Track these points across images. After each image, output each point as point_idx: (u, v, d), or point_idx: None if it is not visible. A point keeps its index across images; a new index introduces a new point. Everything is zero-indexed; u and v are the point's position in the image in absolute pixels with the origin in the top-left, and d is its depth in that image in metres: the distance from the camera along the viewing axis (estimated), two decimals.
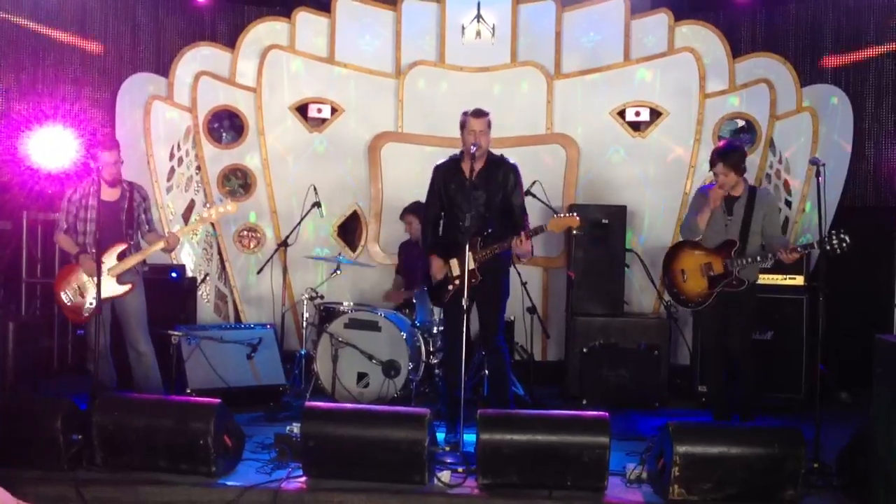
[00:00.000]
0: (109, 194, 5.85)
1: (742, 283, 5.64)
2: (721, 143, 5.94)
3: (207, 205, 7.94)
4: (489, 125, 5.54)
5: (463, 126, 5.54)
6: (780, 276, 6.86)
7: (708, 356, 6.13)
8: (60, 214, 5.93)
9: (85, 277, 5.75)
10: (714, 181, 5.79)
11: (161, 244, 5.87)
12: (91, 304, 5.67)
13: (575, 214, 5.48)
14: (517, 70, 8.11)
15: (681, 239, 6.08)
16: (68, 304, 5.83)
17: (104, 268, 5.65)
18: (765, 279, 6.81)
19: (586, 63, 8.12)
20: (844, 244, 5.16)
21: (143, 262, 5.96)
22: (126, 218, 5.88)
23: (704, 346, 6.15)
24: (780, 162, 7.79)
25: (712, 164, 5.71)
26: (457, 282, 5.48)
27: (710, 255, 5.73)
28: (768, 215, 5.74)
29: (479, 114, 5.51)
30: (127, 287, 5.80)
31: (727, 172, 5.63)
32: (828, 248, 5.19)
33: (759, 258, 5.60)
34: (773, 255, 5.55)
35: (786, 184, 7.76)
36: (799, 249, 5.49)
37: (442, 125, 8.02)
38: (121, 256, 5.77)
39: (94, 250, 5.56)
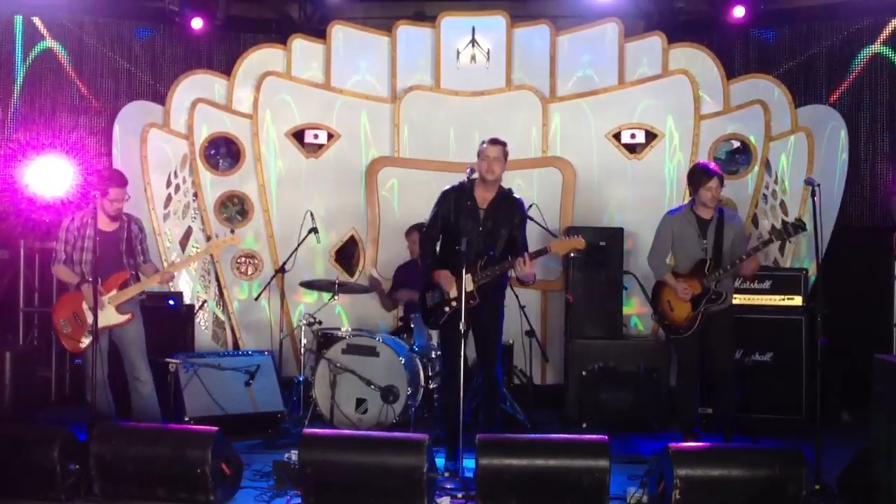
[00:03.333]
0: (107, 224, 5.85)
1: (721, 295, 5.79)
2: (701, 162, 6.30)
3: (210, 235, 7.93)
4: (505, 154, 5.61)
5: (480, 153, 5.60)
6: (777, 297, 6.87)
7: (683, 382, 6.07)
8: (58, 244, 5.90)
9: (84, 306, 5.73)
10: (681, 205, 6.07)
11: (157, 279, 5.88)
12: (90, 333, 5.65)
13: (579, 236, 5.51)
14: (512, 94, 8.15)
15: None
16: (66, 332, 5.82)
17: (105, 297, 5.65)
18: (762, 300, 6.85)
19: (581, 86, 8.16)
20: (800, 227, 5.61)
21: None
22: (126, 248, 5.88)
23: (684, 371, 6.04)
24: (775, 182, 7.82)
25: (701, 183, 5.87)
26: (454, 303, 5.48)
27: (688, 280, 5.86)
28: (737, 235, 5.95)
29: (495, 142, 5.59)
30: (126, 316, 5.79)
31: (719, 186, 5.88)
32: (786, 236, 5.67)
33: (730, 266, 5.78)
34: (739, 262, 5.78)
35: (782, 204, 7.78)
36: (752, 253, 5.76)
37: (438, 149, 8.07)
38: (122, 286, 5.77)
39: (91, 279, 5.55)
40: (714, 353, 5.90)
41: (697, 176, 5.92)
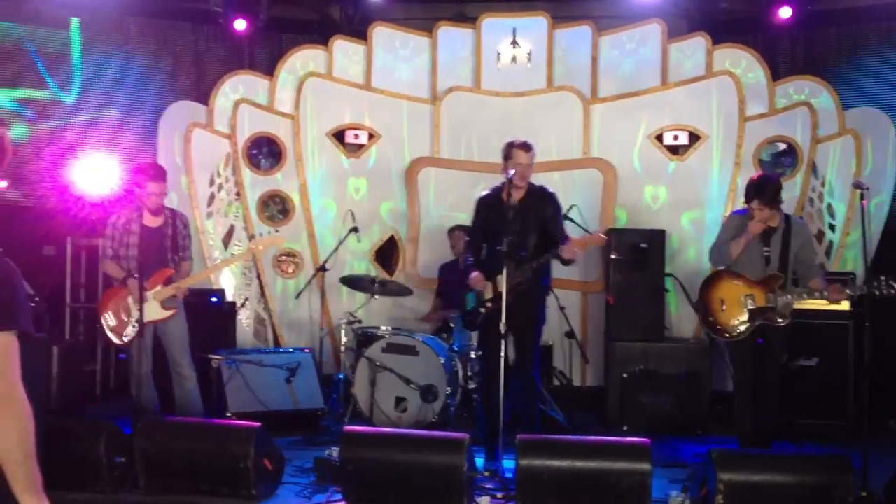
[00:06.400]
0: (152, 220, 5.92)
1: (783, 318, 5.47)
2: (755, 177, 5.73)
3: (252, 234, 8.01)
4: (533, 158, 5.61)
5: (508, 156, 5.57)
6: (824, 302, 6.71)
7: (742, 389, 5.76)
8: (105, 241, 5.98)
9: (129, 301, 5.80)
10: (746, 207, 5.66)
11: (194, 280, 6.03)
12: (134, 328, 5.72)
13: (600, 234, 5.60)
14: (553, 95, 8.12)
15: (709, 262, 5.92)
16: (112, 327, 5.90)
17: (150, 293, 5.72)
18: (809, 305, 6.67)
19: (623, 87, 8.12)
20: (893, 290, 5.02)
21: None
22: (171, 245, 5.95)
23: (739, 379, 5.77)
24: (822, 185, 7.70)
25: (748, 199, 5.54)
26: (489, 304, 5.49)
27: (753, 287, 5.53)
28: (804, 245, 5.62)
29: (526, 147, 5.56)
30: (170, 312, 5.85)
31: (762, 208, 5.46)
32: (877, 293, 5.05)
33: (805, 296, 5.45)
34: (819, 294, 5.39)
35: (829, 208, 7.67)
36: (847, 292, 5.35)
37: (478, 150, 8.07)
38: (167, 282, 5.83)
39: (137, 275, 5.62)
40: (765, 364, 5.61)
41: (749, 192, 5.57)
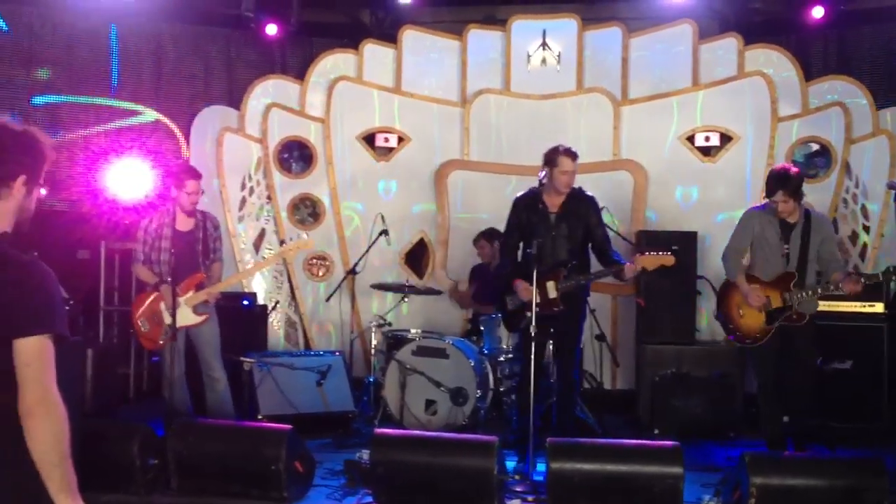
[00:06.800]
0: (184, 224, 5.97)
1: (802, 318, 5.39)
2: (777, 168, 5.57)
3: (283, 238, 8.05)
4: (577, 165, 5.60)
5: (552, 163, 5.52)
6: (858, 304, 6.66)
7: (766, 395, 5.67)
8: (137, 245, 6.03)
9: (162, 306, 5.85)
10: (765, 202, 5.56)
11: (226, 284, 6.06)
12: (166, 333, 5.77)
13: (668, 253, 5.40)
14: (583, 97, 8.09)
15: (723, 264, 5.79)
16: (145, 331, 5.96)
17: (182, 298, 5.76)
18: (843, 307, 6.63)
19: (654, 88, 8.07)
20: None
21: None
22: (202, 248, 5.99)
23: (763, 384, 5.66)
24: (856, 186, 7.60)
25: (770, 192, 5.42)
26: (536, 309, 5.47)
27: (768, 289, 5.47)
28: (826, 240, 5.50)
29: (572, 155, 5.53)
30: (203, 317, 5.89)
31: (787, 199, 5.36)
32: (894, 284, 4.98)
33: (819, 290, 5.37)
34: (835, 286, 5.29)
35: (863, 209, 7.56)
36: (863, 281, 5.25)
37: (508, 153, 8.06)
38: (199, 287, 5.88)
39: (170, 279, 5.68)
40: (794, 365, 5.51)
41: (770, 184, 5.47)
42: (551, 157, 5.54)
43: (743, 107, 7.83)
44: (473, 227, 7.77)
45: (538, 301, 5.32)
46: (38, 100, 7.99)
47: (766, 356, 5.56)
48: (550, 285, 5.35)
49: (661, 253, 5.39)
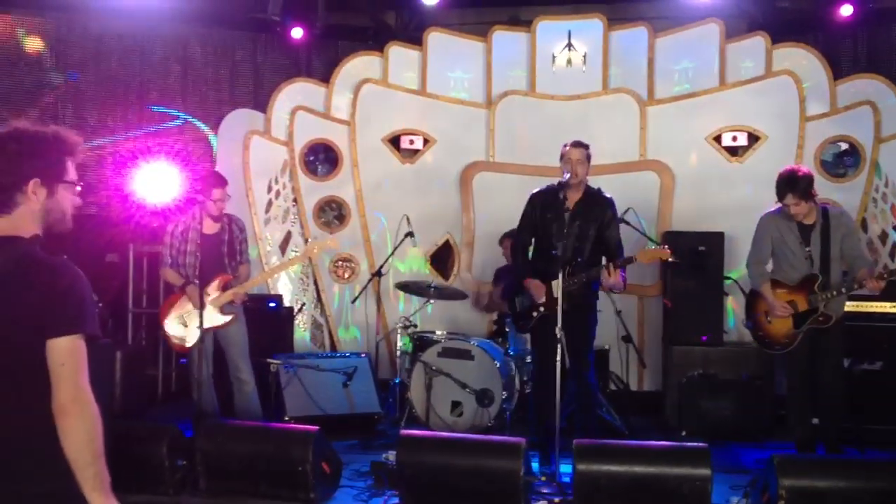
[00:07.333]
0: (210, 227, 6.03)
1: (829, 319, 5.33)
2: (784, 172, 5.45)
3: (309, 238, 8.08)
4: (588, 157, 5.58)
5: (563, 156, 5.59)
6: (888, 304, 6.57)
7: (795, 398, 5.66)
8: (164, 248, 6.11)
9: (189, 308, 5.91)
10: (778, 206, 5.48)
11: (253, 283, 6.12)
12: (194, 334, 5.82)
13: (665, 247, 5.43)
14: (609, 97, 8.06)
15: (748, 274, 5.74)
16: (173, 333, 6.01)
17: (208, 299, 5.81)
18: (872, 307, 6.55)
19: (681, 88, 8.02)
20: None
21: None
22: (227, 250, 6.05)
23: (792, 387, 5.66)
24: (886, 185, 7.52)
25: (781, 196, 5.35)
26: (541, 309, 5.47)
27: (793, 293, 5.44)
28: (847, 236, 5.41)
29: (577, 144, 5.58)
30: (229, 317, 5.95)
31: (798, 202, 5.29)
32: None
33: (844, 289, 5.30)
34: (860, 284, 5.23)
35: (893, 208, 7.47)
36: (885, 276, 5.19)
37: (533, 154, 8.03)
38: (224, 288, 5.93)
39: (197, 282, 5.73)
40: (822, 366, 5.49)
41: (779, 187, 5.38)
42: (561, 153, 5.61)
43: (771, 106, 7.76)
44: (498, 229, 7.76)
45: (545, 301, 5.32)
46: (68, 105, 8.08)
47: (796, 359, 5.53)
48: (555, 284, 5.31)
49: (658, 247, 5.43)
